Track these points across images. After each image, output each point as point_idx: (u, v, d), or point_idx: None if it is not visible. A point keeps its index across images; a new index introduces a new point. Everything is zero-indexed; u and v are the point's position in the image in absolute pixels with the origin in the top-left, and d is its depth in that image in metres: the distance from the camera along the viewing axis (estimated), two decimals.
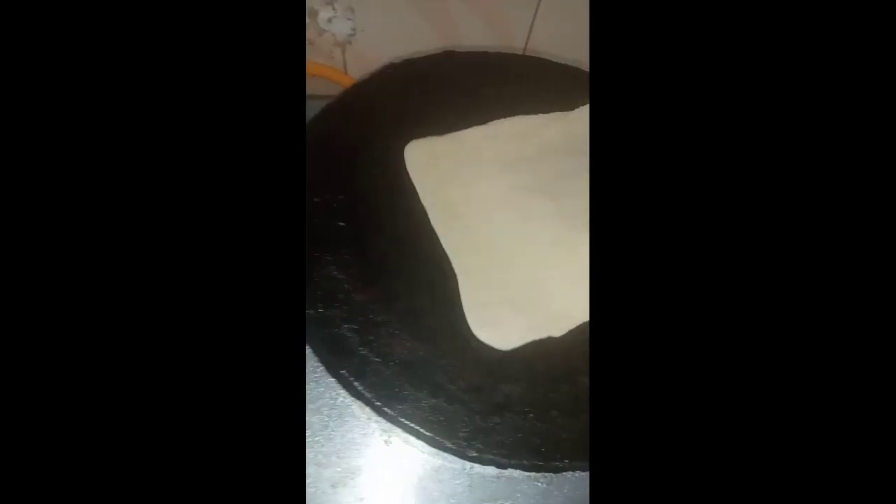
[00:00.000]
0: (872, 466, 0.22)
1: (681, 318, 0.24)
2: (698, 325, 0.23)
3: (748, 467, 0.23)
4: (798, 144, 0.23)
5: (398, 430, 0.37)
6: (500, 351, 0.40)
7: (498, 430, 0.37)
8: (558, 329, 0.42)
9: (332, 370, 0.38)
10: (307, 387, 0.41)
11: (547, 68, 0.55)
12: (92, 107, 0.23)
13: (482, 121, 0.50)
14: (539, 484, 0.40)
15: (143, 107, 0.23)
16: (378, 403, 0.37)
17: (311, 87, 0.55)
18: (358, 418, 0.42)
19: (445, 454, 0.37)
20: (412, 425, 0.37)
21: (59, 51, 0.23)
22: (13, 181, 0.22)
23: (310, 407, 0.42)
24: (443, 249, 0.44)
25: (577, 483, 0.40)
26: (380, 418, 0.37)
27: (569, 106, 0.52)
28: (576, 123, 0.52)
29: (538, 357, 0.40)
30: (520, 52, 0.65)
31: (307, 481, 0.40)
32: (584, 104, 0.53)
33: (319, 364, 0.39)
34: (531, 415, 0.37)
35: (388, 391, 0.38)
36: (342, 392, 0.39)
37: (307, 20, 0.60)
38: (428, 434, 0.37)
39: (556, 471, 0.37)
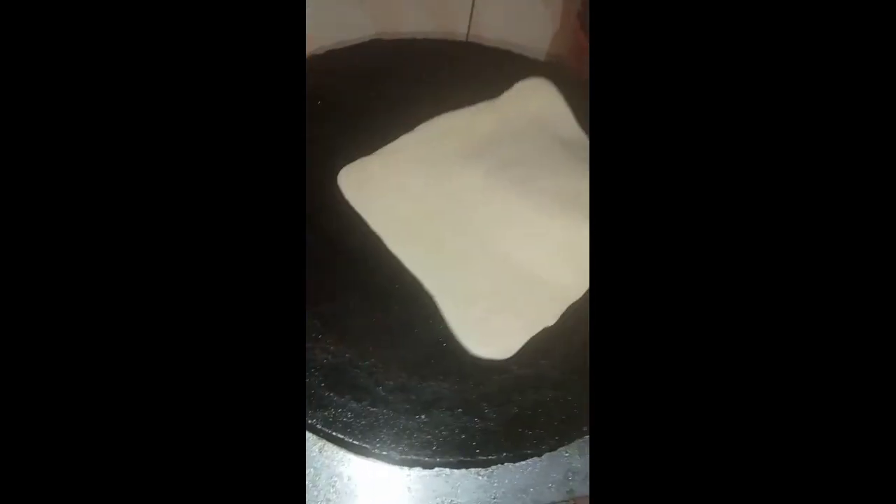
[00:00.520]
0: (870, 464, 0.22)
1: (681, 313, 0.23)
2: (697, 319, 0.23)
3: (746, 459, 0.23)
4: (789, 130, 0.23)
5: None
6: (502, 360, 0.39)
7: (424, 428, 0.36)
8: (551, 317, 0.41)
9: None
10: None
11: (479, 54, 0.54)
12: (91, 106, 0.23)
13: (409, 126, 0.48)
14: (479, 478, 0.39)
15: (143, 107, 0.23)
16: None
17: None
18: None
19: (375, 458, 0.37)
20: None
21: (59, 49, 0.22)
22: (13, 181, 0.22)
23: None
24: (411, 274, 0.41)
25: (515, 471, 0.39)
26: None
27: (496, 92, 0.51)
28: (507, 106, 0.50)
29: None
30: (462, 39, 0.63)
31: None
32: (511, 86, 0.51)
33: None
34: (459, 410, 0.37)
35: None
36: None
37: None
38: (350, 441, 0.36)
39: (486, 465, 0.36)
